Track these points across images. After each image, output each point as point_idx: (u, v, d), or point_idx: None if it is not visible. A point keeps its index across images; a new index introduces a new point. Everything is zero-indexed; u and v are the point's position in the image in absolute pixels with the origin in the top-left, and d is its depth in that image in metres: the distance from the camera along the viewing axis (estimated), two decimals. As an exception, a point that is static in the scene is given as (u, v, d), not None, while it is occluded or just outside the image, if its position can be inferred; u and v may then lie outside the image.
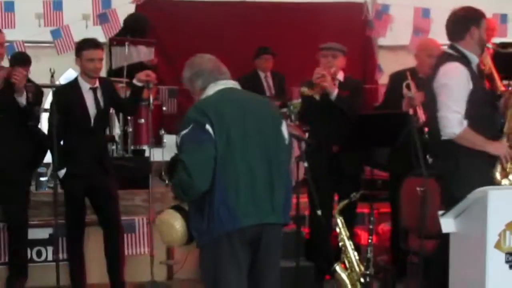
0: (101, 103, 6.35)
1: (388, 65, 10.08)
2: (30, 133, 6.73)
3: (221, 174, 4.23)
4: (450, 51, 5.43)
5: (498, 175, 5.27)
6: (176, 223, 4.40)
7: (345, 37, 10.63)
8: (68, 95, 6.28)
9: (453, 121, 5.22)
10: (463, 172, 5.27)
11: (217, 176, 4.22)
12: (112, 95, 6.52)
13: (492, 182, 5.20)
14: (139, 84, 6.48)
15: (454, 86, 5.26)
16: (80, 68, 6.35)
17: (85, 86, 6.31)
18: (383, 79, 9.74)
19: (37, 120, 7.17)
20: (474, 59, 5.42)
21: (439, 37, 8.09)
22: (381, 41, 11.25)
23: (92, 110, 6.30)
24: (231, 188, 4.24)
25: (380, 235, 7.56)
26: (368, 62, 10.89)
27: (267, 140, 4.42)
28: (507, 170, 5.29)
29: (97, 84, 6.35)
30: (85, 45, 6.30)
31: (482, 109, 5.35)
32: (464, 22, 5.44)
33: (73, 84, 6.39)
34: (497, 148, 5.29)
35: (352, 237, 6.43)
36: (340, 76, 6.85)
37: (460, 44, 5.41)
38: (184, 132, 4.27)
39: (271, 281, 4.52)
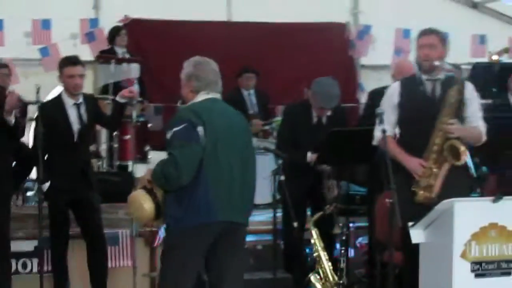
0: (84, 119, 6.48)
1: (370, 84, 10.27)
2: (15, 147, 6.87)
3: (206, 172, 4.70)
4: None
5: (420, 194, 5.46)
6: (145, 204, 4.84)
7: (327, 57, 10.97)
8: (52, 110, 6.41)
9: (375, 134, 5.65)
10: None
11: (202, 173, 4.69)
12: (95, 111, 6.65)
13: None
14: (122, 100, 6.66)
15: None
16: (63, 85, 6.51)
17: (68, 102, 6.45)
18: (365, 98, 9.92)
19: (23, 131, 7.30)
20: (422, 78, 5.65)
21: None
22: (363, 61, 11.48)
23: (75, 125, 6.43)
24: (213, 186, 4.72)
25: (359, 248, 7.72)
26: (350, 81, 11.09)
27: (243, 149, 4.93)
28: (422, 184, 5.46)
29: (80, 100, 6.49)
30: (65, 63, 6.47)
31: (413, 124, 5.60)
32: None
33: (57, 100, 6.53)
34: (409, 163, 5.50)
35: (332, 250, 6.62)
36: None
37: None
38: (176, 128, 4.71)
39: (237, 277, 5.03)
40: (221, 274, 4.95)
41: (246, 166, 4.92)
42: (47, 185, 6.35)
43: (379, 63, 10.97)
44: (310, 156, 6.71)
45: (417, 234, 5.19)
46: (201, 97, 4.91)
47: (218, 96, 4.98)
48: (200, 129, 4.68)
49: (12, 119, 6.20)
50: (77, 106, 6.47)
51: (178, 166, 4.61)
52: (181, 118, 4.76)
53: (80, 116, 6.47)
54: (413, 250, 5.33)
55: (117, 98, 6.69)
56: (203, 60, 5.02)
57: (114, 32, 9.63)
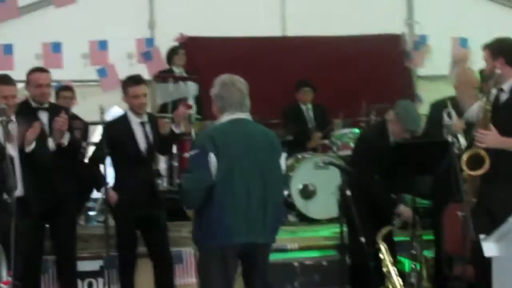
0: (150, 137, 6.53)
1: (428, 94, 10.18)
2: (78, 167, 6.93)
3: (220, 196, 4.85)
4: None
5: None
6: None
7: (383, 69, 10.90)
8: (118, 129, 6.47)
9: None
10: None
11: (216, 197, 4.85)
12: (156, 130, 6.64)
13: None
14: (177, 131, 6.67)
15: None
16: (128, 104, 6.57)
17: (134, 120, 6.51)
18: (423, 109, 9.82)
19: (83, 155, 7.37)
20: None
21: (477, 66, 8.22)
22: (420, 72, 11.38)
23: (142, 143, 6.49)
24: (228, 209, 4.86)
25: (424, 262, 7.60)
26: (406, 92, 10.96)
27: (265, 169, 5.01)
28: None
29: (145, 118, 6.56)
30: (129, 83, 6.53)
31: None
32: None
33: (123, 119, 6.58)
34: None
35: (395, 264, 6.53)
36: None
37: None
38: (191, 153, 5.03)
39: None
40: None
41: (269, 184, 5.00)
42: (111, 183, 6.45)
43: (436, 73, 10.86)
44: (403, 210, 6.65)
45: (489, 247, 5.06)
46: (225, 117, 5.03)
47: (243, 115, 5.06)
48: (212, 155, 4.82)
49: (65, 140, 6.25)
50: (143, 124, 6.54)
51: (183, 192, 5.02)
52: (197, 143, 5.06)
53: (146, 134, 6.53)
54: (485, 264, 5.21)
55: (173, 127, 6.66)
56: (230, 79, 5.08)
57: (172, 52, 9.73)
